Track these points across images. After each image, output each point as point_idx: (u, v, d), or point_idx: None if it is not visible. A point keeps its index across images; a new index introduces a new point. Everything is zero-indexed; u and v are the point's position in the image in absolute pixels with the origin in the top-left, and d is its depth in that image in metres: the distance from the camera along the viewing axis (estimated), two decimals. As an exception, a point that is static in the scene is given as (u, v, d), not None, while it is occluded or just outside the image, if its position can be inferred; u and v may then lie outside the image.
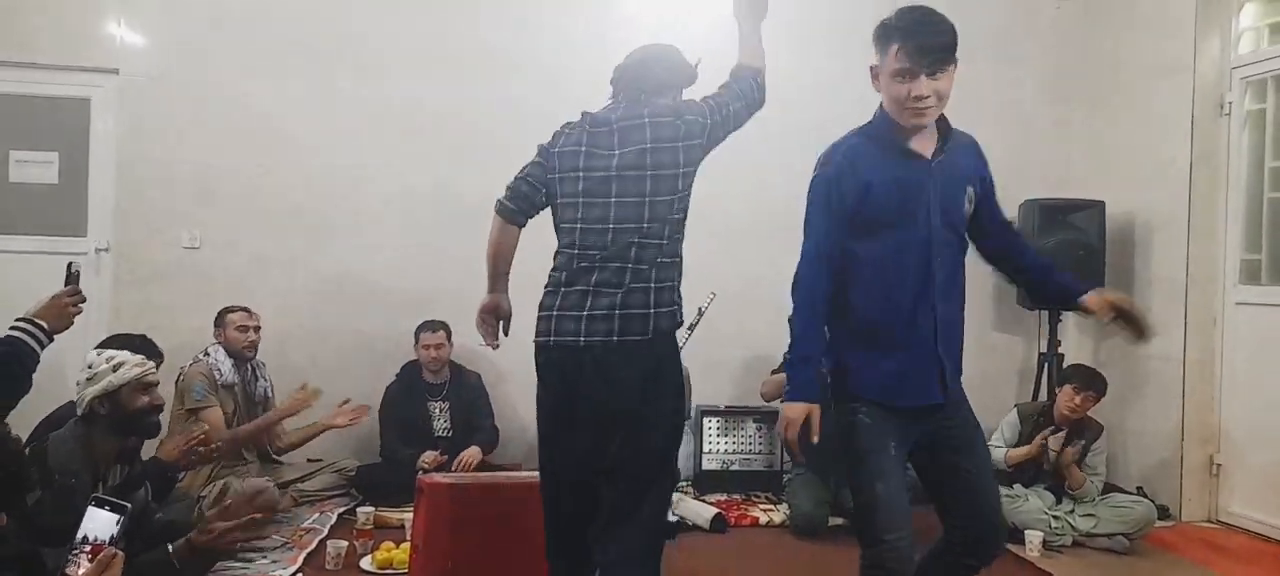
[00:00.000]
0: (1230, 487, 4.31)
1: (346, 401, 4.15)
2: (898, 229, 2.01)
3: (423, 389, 4.49)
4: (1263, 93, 4.27)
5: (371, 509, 3.81)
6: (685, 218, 2.25)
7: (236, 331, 4.05)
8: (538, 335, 2.29)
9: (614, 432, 2.18)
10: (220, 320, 4.10)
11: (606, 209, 2.20)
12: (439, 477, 3.15)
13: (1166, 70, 4.51)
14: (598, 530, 2.21)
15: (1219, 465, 4.34)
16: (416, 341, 4.49)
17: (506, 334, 2.54)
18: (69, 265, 2.60)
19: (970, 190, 2.08)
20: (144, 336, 3.25)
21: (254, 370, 4.15)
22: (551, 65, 4.79)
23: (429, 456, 4.22)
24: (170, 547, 2.56)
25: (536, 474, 3.54)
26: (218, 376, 3.92)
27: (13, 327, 2.44)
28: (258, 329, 4.13)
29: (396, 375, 4.53)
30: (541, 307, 2.30)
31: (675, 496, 4.18)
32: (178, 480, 3.49)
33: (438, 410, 4.48)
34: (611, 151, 2.23)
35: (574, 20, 4.86)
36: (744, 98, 2.32)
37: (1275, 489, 4.03)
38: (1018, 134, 4.98)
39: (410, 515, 3.21)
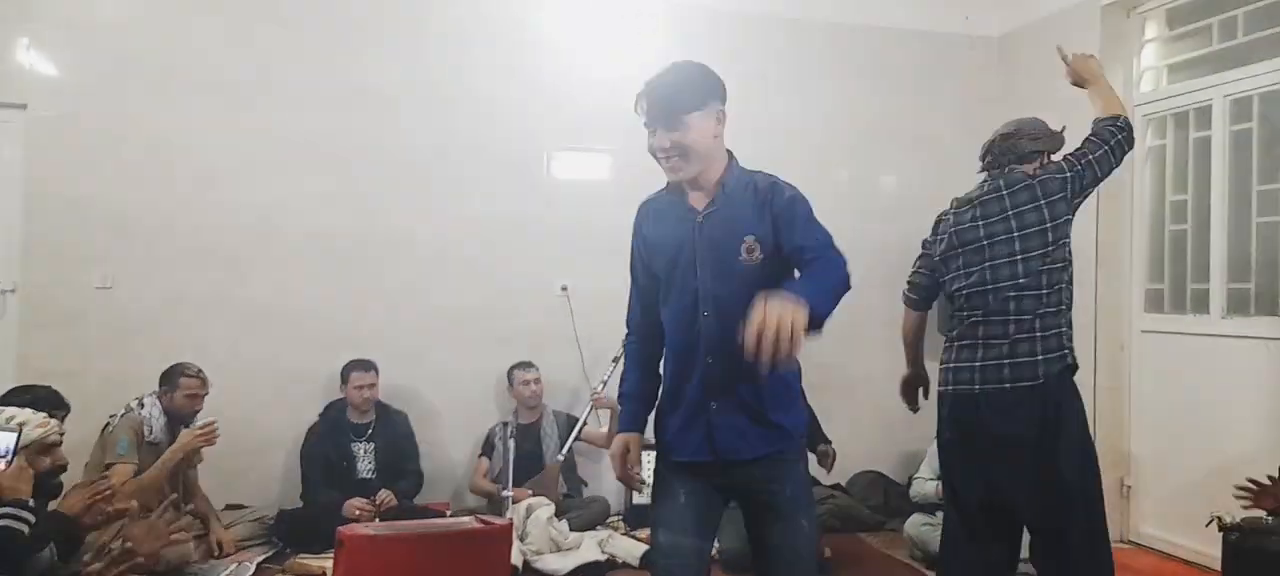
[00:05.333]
0: (1141, 509, 4.47)
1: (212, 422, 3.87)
2: (674, 287, 2.05)
3: (347, 429, 4.40)
4: (1163, 129, 4.47)
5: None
6: (1065, 267, 2.59)
7: (186, 398, 3.91)
8: (939, 384, 2.73)
9: (1016, 466, 2.55)
10: (171, 380, 3.93)
11: (983, 273, 2.61)
12: (360, 529, 3.08)
13: (1074, 107, 4.66)
14: (1038, 555, 2.67)
15: (1129, 487, 4.50)
16: (344, 381, 4.40)
17: (927, 398, 2.95)
18: None
19: (749, 239, 1.97)
20: (49, 388, 3.12)
21: (186, 425, 3.94)
22: (479, 97, 4.77)
23: (357, 502, 4.12)
24: None
25: (462, 520, 3.51)
26: (148, 432, 3.78)
27: None
28: (206, 394, 3.98)
29: (320, 414, 4.43)
30: (941, 362, 2.73)
31: (604, 533, 4.17)
32: (84, 538, 3.34)
33: (362, 451, 4.39)
34: (977, 223, 2.66)
35: (501, 52, 4.83)
36: (1105, 143, 2.69)
37: (1182, 510, 4.18)
38: (935, 165, 5.13)
39: (330, 563, 3.13)
